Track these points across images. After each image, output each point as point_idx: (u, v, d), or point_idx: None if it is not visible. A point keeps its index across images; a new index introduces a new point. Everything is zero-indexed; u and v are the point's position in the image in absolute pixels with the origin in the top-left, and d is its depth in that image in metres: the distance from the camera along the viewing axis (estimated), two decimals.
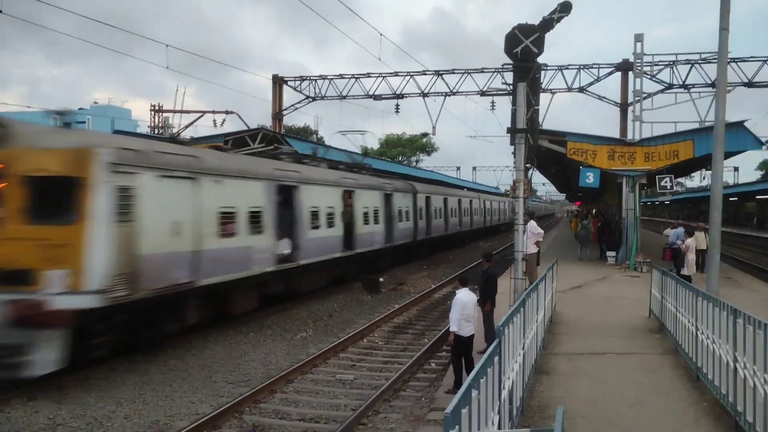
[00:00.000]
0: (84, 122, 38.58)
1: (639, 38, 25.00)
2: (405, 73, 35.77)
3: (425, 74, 35.65)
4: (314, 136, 68.08)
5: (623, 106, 34.03)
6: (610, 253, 26.12)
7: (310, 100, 37.58)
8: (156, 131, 32.34)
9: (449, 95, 35.67)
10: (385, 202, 25.74)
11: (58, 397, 9.99)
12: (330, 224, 20.03)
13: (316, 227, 18.96)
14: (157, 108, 30.23)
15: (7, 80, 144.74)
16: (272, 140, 22.77)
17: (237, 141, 22.49)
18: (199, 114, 21.77)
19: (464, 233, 44.03)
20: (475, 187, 64.38)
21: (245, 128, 23.08)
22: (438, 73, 35.51)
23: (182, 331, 13.67)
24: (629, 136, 25.57)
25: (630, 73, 29.52)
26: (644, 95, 25.29)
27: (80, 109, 55.34)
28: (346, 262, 22.01)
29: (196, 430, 8.45)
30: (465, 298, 9.75)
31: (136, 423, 9.01)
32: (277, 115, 37.92)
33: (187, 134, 22.03)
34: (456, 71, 35.43)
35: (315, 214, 19.00)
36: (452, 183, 54.15)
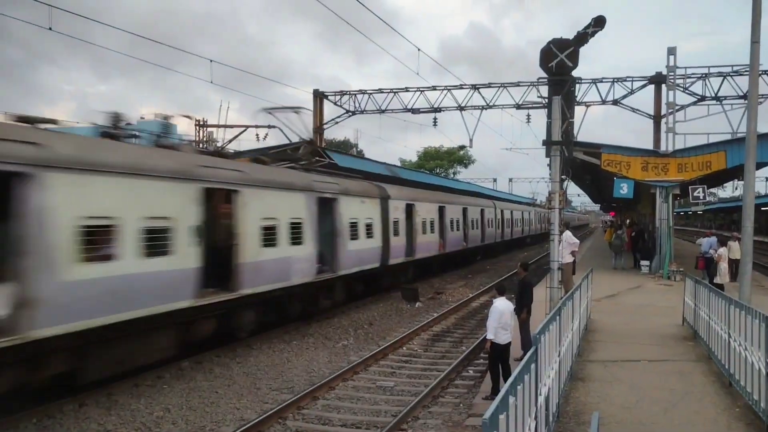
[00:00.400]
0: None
1: (672, 51, 25.07)
2: (442, 87, 36.03)
3: (462, 88, 35.89)
4: (354, 149, 68.71)
5: (656, 118, 33.78)
6: (644, 263, 26.04)
7: (350, 114, 38.13)
8: (200, 145, 33.08)
9: (486, 108, 35.83)
10: (318, 211, 17.04)
11: (108, 403, 10.33)
12: (159, 249, 11.31)
13: (105, 257, 10.27)
14: (201, 123, 30.99)
15: (57, 96, 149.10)
16: (314, 153, 23.26)
17: (277, 154, 23.08)
18: (242, 128, 22.20)
19: (472, 250, 35.39)
20: (489, 193, 53.63)
21: (287, 142, 23.61)
22: (474, 87, 35.74)
23: (227, 340, 14.00)
24: (662, 148, 25.49)
25: (663, 85, 29.42)
26: (677, 107, 25.23)
27: (127, 124, 56.83)
28: (222, 313, 13.38)
29: None
30: (502, 306, 9.99)
31: (184, 429, 9.34)
32: (318, 129, 38.53)
33: (230, 148, 22.68)
34: (492, 85, 35.63)
35: (101, 233, 10.21)
36: (459, 189, 43.41)
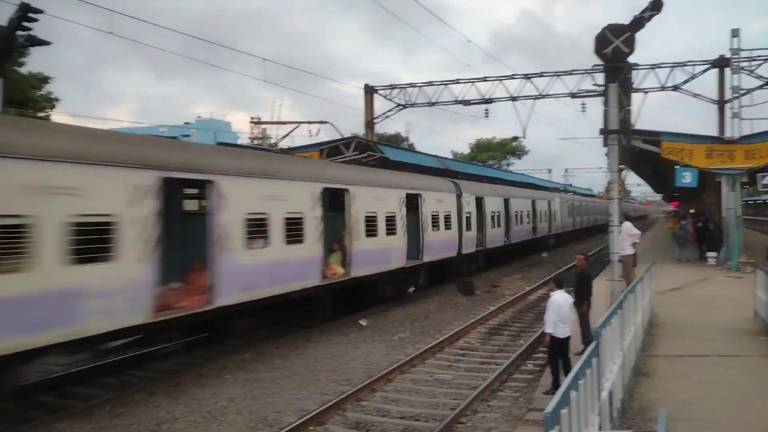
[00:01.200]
0: (189, 135, 40.95)
1: (735, 33, 24.14)
2: (494, 78, 35.64)
3: (514, 78, 35.37)
4: (405, 143, 68.79)
5: (720, 104, 32.50)
6: (711, 254, 25.13)
7: (401, 107, 38.12)
8: (255, 142, 33.76)
9: (539, 98, 35.24)
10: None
11: (176, 393, 10.70)
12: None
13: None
14: (255, 120, 31.70)
15: (119, 98, 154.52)
16: (365, 148, 23.41)
17: (331, 150, 23.35)
18: (295, 125, 22.56)
19: (391, 277, 18.77)
20: (456, 168, 32.87)
21: (339, 137, 23.88)
22: (527, 77, 35.18)
23: (285, 332, 14.33)
24: (728, 134, 24.54)
25: (727, 69, 28.31)
26: (742, 92, 24.26)
27: (186, 123, 58.62)
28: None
29: (303, 426, 8.91)
30: (560, 299, 9.86)
31: (247, 418, 9.54)
32: (369, 123, 38.68)
33: (284, 144, 23.07)
34: (545, 74, 34.98)
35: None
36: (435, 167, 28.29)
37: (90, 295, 9.18)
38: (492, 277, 26.51)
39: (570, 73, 34.65)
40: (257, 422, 9.36)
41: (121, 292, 9.73)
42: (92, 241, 9.15)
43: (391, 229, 18.23)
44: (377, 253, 17.36)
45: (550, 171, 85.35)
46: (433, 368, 12.49)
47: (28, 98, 27.34)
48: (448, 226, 22.50)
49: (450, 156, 64.13)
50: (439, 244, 21.55)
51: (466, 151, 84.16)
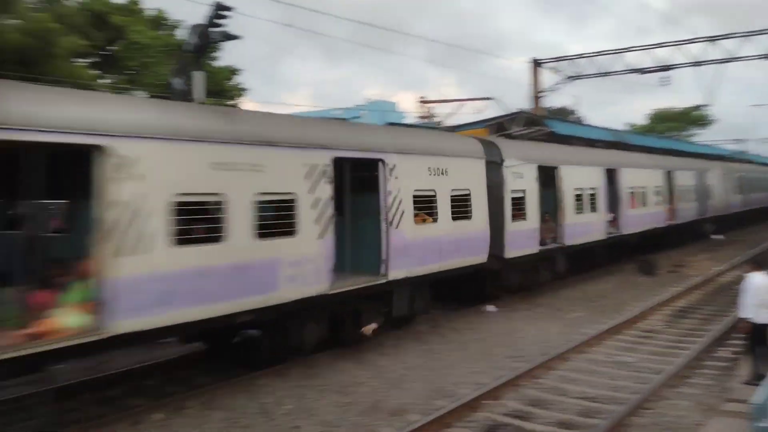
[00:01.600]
0: (359, 117, 42.79)
1: None
2: (672, 43, 32.93)
3: (696, 42, 32.39)
4: (572, 115, 66.14)
5: None
6: None
7: (570, 79, 36.58)
8: (423, 121, 34.47)
9: (726, 62, 31.95)
10: None
11: (358, 359, 11.35)
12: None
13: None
14: (422, 99, 32.39)
15: (297, 84, 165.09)
16: (533, 123, 22.79)
17: (498, 126, 23.03)
18: (460, 102, 22.59)
19: None
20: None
21: (504, 113, 23.51)
22: (711, 39, 32.03)
23: (458, 306, 14.61)
24: None
25: None
26: None
27: (357, 105, 61.31)
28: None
29: (479, 400, 8.98)
30: (760, 281, 9.05)
31: (425, 387, 9.83)
32: (536, 97, 37.61)
33: (450, 122, 23.21)
34: (733, 35, 31.58)
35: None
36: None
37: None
38: (674, 257, 24.74)
39: (765, 32, 30.95)
40: (433, 392, 9.61)
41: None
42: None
43: (279, 227, 9.71)
44: (226, 274, 8.85)
45: (739, 141, 77.37)
46: (612, 349, 11.98)
47: (223, 89, 30.20)
48: (462, 215, 13.79)
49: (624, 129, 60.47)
50: (435, 246, 12.93)
51: (644, 122, 79.04)
